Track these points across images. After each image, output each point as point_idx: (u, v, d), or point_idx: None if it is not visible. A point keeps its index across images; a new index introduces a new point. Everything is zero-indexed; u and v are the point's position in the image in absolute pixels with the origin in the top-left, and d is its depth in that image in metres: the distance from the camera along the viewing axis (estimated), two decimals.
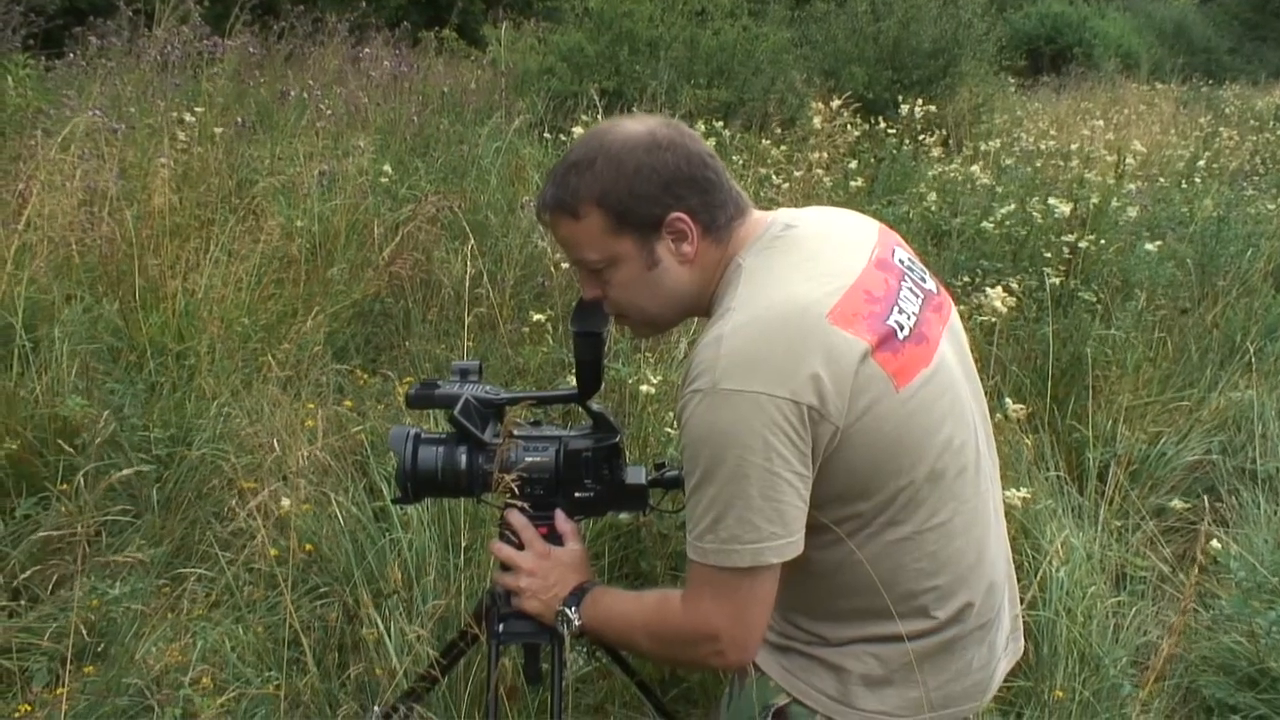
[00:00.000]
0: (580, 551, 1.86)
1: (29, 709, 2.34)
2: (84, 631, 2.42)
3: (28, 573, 2.57)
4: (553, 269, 4.38)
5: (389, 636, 2.54)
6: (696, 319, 1.84)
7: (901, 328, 1.62)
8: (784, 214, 1.75)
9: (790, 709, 1.71)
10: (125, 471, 2.63)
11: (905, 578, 1.63)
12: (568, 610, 1.76)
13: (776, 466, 1.50)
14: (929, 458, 1.61)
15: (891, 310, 1.63)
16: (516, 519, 1.84)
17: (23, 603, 2.70)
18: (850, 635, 1.68)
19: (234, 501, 2.98)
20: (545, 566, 1.82)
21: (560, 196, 1.66)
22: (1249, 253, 5.98)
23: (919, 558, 1.63)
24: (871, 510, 1.60)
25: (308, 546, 2.89)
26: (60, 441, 3.05)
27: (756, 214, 1.75)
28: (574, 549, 1.85)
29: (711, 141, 1.70)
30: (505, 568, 1.86)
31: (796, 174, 6.28)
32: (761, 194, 5.73)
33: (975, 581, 1.70)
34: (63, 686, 2.32)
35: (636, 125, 1.67)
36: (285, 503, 2.65)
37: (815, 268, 1.63)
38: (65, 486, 2.92)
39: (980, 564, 1.71)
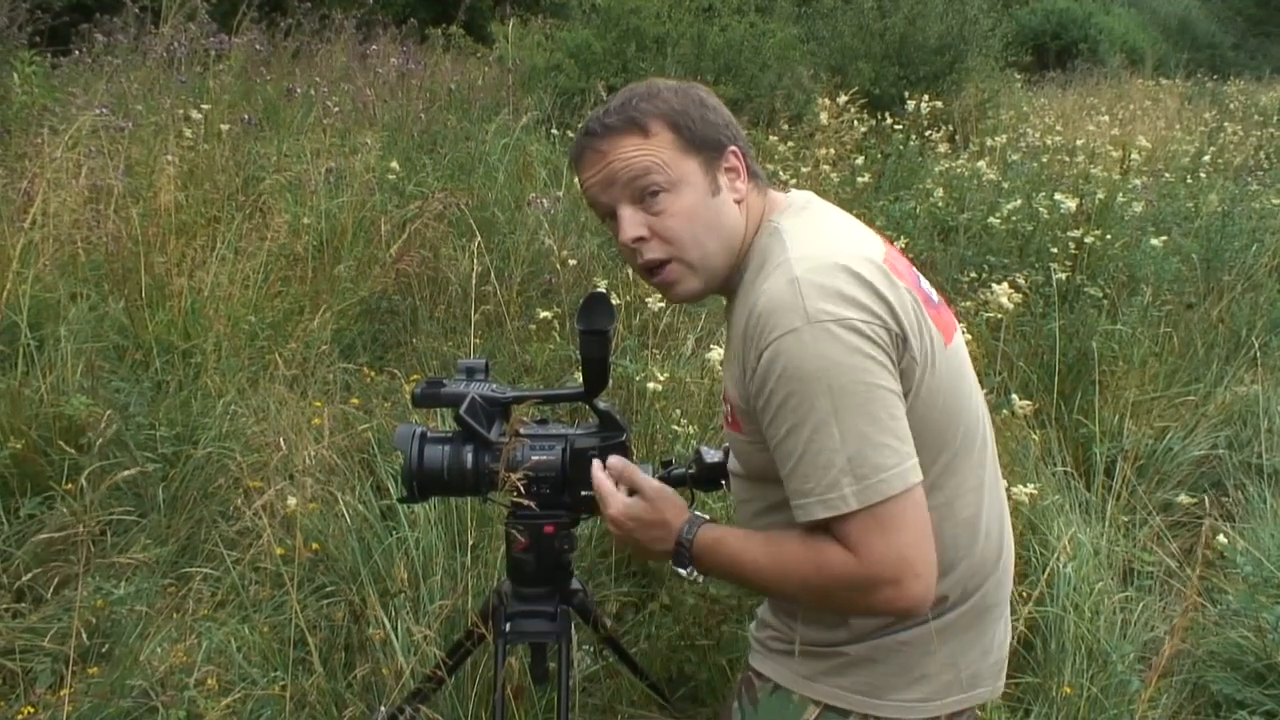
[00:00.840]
0: (649, 499, 1.72)
1: (32, 710, 2.33)
2: (86, 634, 2.42)
3: (31, 574, 2.57)
4: (559, 266, 4.37)
5: (395, 636, 2.53)
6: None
7: (931, 296, 1.65)
8: (798, 194, 1.76)
9: (823, 718, 1.66)
10: (130, 471, 2.62)
11: (941, 547, 1.58)
12: (680, 571, 1.67)
13: (892, 386, 1.47)
14: (964, 421, 1.62)
15: (919, 279, 1.65)
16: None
17: (26, 603, 2.70)
18: (880, 621, 1.62)
19: (240, 500, 2.97)
20: (631, 525, 1.71)
21: (628, 116, 1.62)
22: (1254, 248, 5.98)
23: (956, 524, 1.62)
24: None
25: (314, 546, 2.89)
26: (64, 441, 3.04)
27: (774, 192, 1.75)
28: (637, 503, 1.72)
29: None
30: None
31: (804, 170, 6.28)
32: None
33: (998, 551, 1.70)
34: (66, 688, 2.31)
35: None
36: (291, 502, 2.64)
37: (850, 233, 1.65)
38: (70, 486, 2.92)
39: (1002, 534, 1.72)
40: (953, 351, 1.62)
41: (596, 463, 1.77)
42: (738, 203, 1.66)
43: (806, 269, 1.50)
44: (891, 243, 1.77)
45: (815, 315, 1.45)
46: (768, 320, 1.48)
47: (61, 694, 2.31)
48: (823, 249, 1.55)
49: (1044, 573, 2.84)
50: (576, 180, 1.74)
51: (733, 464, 1.75)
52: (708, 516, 1.70)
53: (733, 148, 1.66)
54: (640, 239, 1.63)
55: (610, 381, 1.88)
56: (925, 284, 1.67)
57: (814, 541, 1.51)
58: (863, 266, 1.51)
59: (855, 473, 1.43)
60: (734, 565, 1.63)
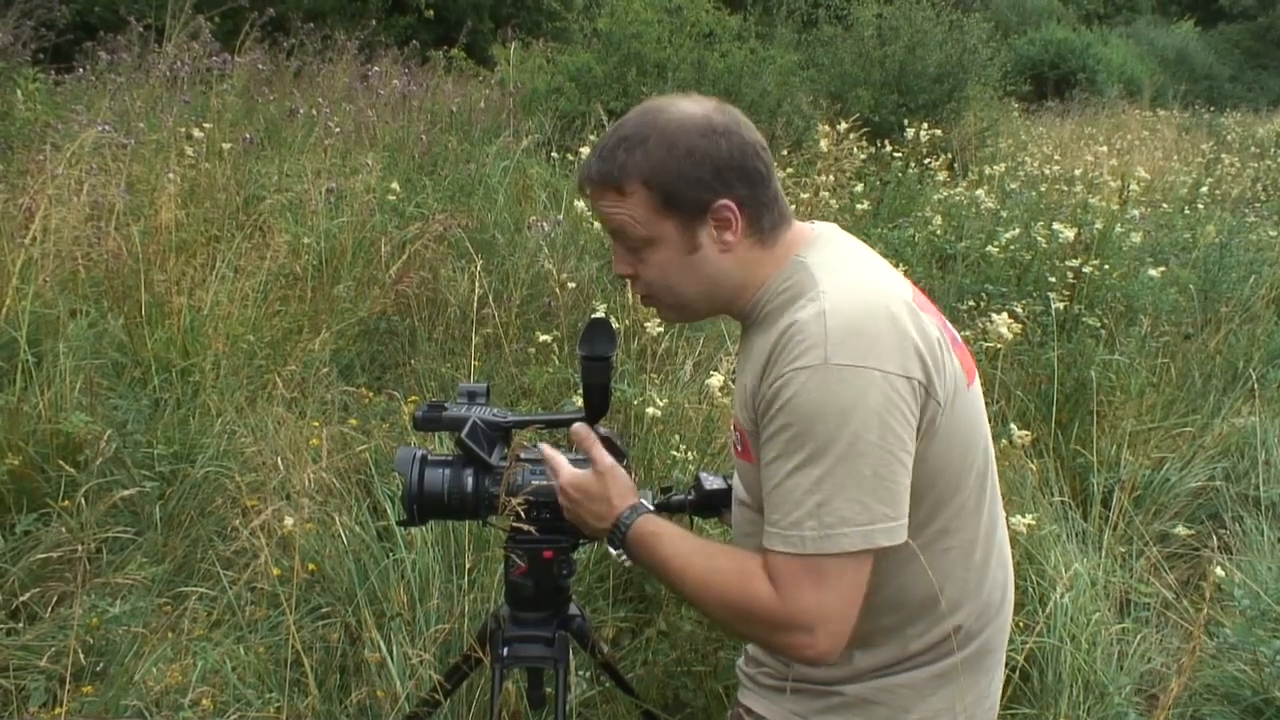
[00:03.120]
0: (599, 473, 1.73)
1: None
2: (81, 652, 2.41)
3: (28, 594, 2.56)
4: (558, 289, 4.38)
5: (391, 659, 2.53)
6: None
7: (956, 336, 1.65)
8: (821, 226, 1.74)
9: None
10: (128, 491, 2.61)
11: (952, 587, 1.60)
12: (611, 550, 1.68)
13: (891, 445, 1.44)
14: (981, 461, 1.61)
15: (944, 320, 1.65)
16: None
17: (21, 621, 2.69)
18: (880, 661, 1.62)
19: (237, 520, 2.96)
20: (577, 496, 1.74)
21: (607, 171, 1.59)
22: (1251, 279, 6.01)
23: (969, 567, 1.61)
24: (929, 516, 1.57)
25: (311, 566, 2.89)
26: (62, 458, 3.04)
27: (799, 224, 1.72)
28: (586, 475, 1.74)
29: None
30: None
31: (803, 196, 6.29)
32: None
33: (1002, 596, 1.70)
34: (60, 707, 2.30)
35: (693, 106, 1.60)
36: (289, 522, 2.64)
37: (877, 268, 1.64)
38: (67, 503, 2.92)
39: (1006, 579, 1.71)
40: (974, 394, 1.62)
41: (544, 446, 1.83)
42: (727, 251, 1.61)
43: (835, 305, 1.49)
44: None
45: (834, 357, 1.43)
46: (789, 350, 1.48)
47: (56, 713, 2.31)
48: (853, 286, 1.54)
49: (1041, 603, 2.84)
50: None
51: (740, 494, 1.73)
52: (652, 508, 1.69)
53: (724, 200, 1.58)
54: (628, 275, 1.67)
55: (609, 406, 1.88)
56: (949, 325, 1.66)
57: (749, 564, 1.52)
58: (894, 305, 1.50)
59: (820, 518, 1.43)
60: (663, 562, 1.62)
